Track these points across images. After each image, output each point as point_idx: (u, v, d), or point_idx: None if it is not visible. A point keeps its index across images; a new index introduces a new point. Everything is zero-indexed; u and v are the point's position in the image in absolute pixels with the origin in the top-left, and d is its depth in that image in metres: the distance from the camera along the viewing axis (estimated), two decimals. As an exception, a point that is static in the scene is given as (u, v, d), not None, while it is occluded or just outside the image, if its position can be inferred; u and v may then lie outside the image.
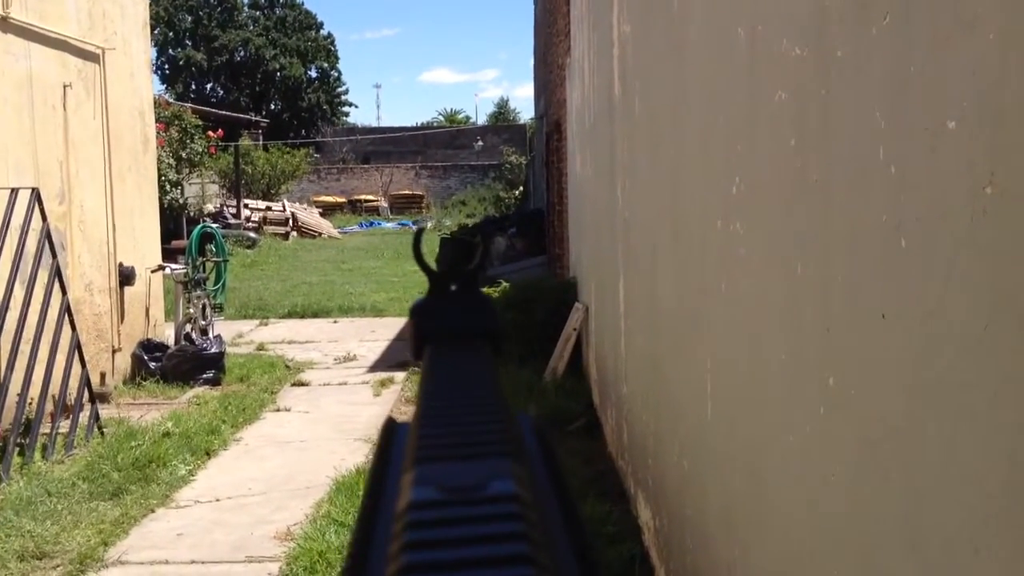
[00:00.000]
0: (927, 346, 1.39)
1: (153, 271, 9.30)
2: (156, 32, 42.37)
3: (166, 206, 15.12)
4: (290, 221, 26.49)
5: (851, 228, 1.70)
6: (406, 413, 7.55)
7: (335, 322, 12.45)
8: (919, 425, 1.43)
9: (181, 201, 18.20)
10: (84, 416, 6.74)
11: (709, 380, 2.96)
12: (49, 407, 6.53)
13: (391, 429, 0.49)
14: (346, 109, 55.00)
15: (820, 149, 1.86)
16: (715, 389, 2.90)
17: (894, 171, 1.50)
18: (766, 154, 2.27)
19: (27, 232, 6.39)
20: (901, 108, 1.48)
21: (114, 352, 8.42)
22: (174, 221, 17.44)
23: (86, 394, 6.81)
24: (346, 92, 54.00)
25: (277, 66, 48.62)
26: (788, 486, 2.14)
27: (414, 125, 51.86)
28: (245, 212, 25.08)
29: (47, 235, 6.62)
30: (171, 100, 21.52)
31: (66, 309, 6.70)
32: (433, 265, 0.62)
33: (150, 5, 9.69)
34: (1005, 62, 1.17)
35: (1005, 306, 1.17)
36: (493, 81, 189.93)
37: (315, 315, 12.88)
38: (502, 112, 63.45)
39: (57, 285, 6.66)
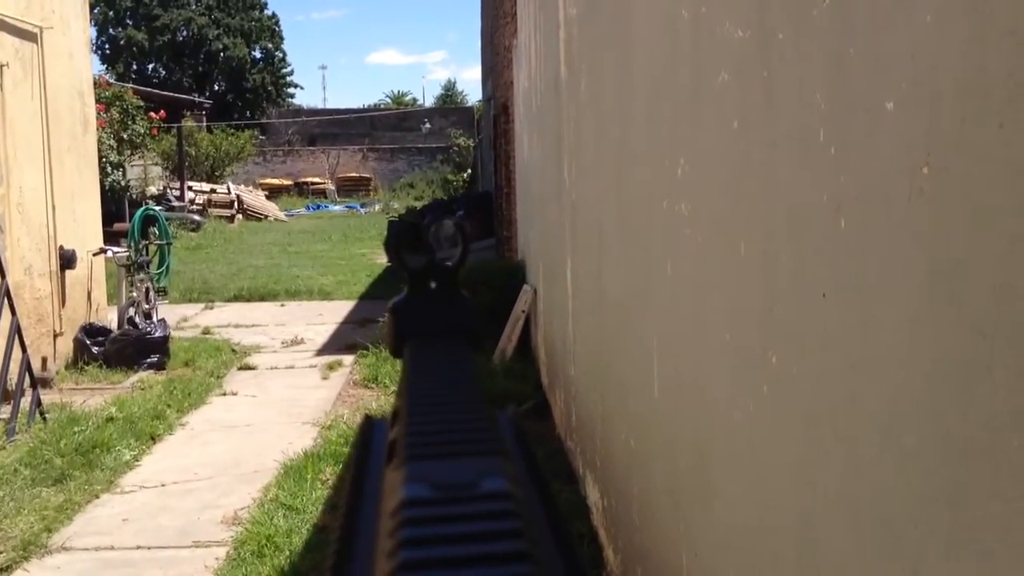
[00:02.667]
0: (866, 325, 1.42)
1: (95, 254, 9.15)
2: (96, 11, 41.54)
3: (107, 188, 14.87)
4: (235, 204, 26.19)
5: (793, 208, 1.72)
6: (355, 396, 7.53)
7: (282, 305, 12.35)
8: (859, 402, 1.45)
9: (123, 183, 17.90)
10: (25, 401, 6.63)
11: (656, 360, 2.99)
12: (-11, 393, 6.41)
13: (369, 427, 0.49)
14: (291, 91, 54.38)
15: (762, 130, 1.88)
16: (661, 369, 2.92)
17: (834, 152, 1.52)
18: (710, 135, 2.29)
19: (-36, 215, 6.26)
20: (841, 89, 1.49)
21: (56, 336, 8.29)
22: (116, 204, 17.16)
23: (27, 379, 6.69)
24: (291, 73, 53.39)
25: (220, 46, 47.93)
26: (732, 463, 2.17)
27: (361, 107, 51.45)
28: (189, 195, 24.74)
29: (-15, 218, 6.49)
30: (112, 80, 21.14)
31: (5, 293, 6.58)
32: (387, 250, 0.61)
33: (89, -17, 9.50)
34: (942, 44, 1.19)
35: (941, 284, 1.20)
36: (441, 63, 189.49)
37: (262, 299, 12.76)
38: (449, 94, 63.22)
39: (-4, 269, 6.53)
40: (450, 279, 0.59)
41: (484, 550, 0.32)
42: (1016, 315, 1.04)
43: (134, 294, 9.05)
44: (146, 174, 23.47)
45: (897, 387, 1.32)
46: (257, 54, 50.80)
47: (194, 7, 48.10)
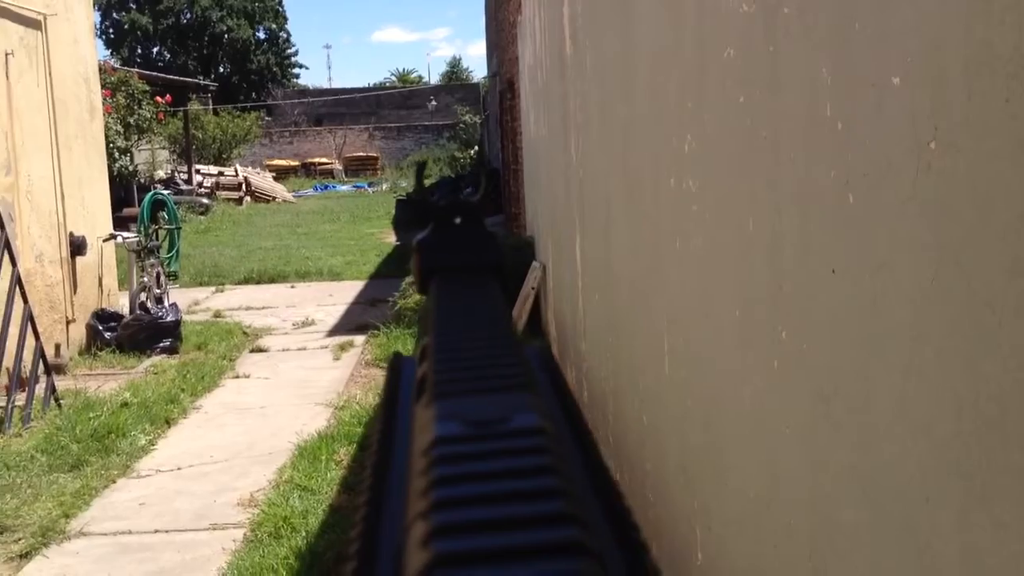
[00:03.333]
0: (876, 300, 1.42)
1: (105, 240, 9.17)
2: (99, -5, 41.43)
3: (115, 174, 14.90)
4: (243, 186, 26.21)
5: (800, 184, 1.72)
6: (367, 376, 7.55)
7: (292, 287, 12.37)
8: (869, 377, 1.46)
9: (131, 168, 17.92)
10: (40, 388, 6.67)
11: (666, 336, 2.99)
12: (3, 380, 6.45)
13: (398, 364, 0.48)
14: (296, 71, 54.30)
15: (768, 106, 1.88)
16: (672, 345, 2.92)
17: (841, 127, 1.51)
18: (716, 111, 2.28)
19: (-27, 204, 6.27)
20: (847, 64, 1.49)
21: (68, 323, 8.32)
22: (124, 189, 17.20)
23: (41, 366, 6.74)
24: (296, 54, 53.32)
25: (224, 28, 47.82)
26: (744, 439, 2.18)
27: (366, 86, 51.34)
28: (197, 178, 24.77)
29: (-6, 207, 6.50)
30: (117, 66, 21.14)
31: (17, 281, 6.61)
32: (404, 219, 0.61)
33: (91, -32, 9.47)
34: (947, 18, 1.18)
35: (950, 259, 1.19)
36: (445, 39, 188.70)
37: (272, 280, 12.79)
38: (455, 71, 63.01)
39: (7, 257, 6.56)
40: (474, 215, 0.58)
41: (517, 487, 0.32)
42: (1025, 290, 1.04)
43: (145, 279, 9.08)
44: (154, 158, 23.47)
45: (907, 361, 1.33)
46: (261, 35, 50.68)
47: (197, -11, 47.96)
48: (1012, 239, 1.06)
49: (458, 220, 0.58)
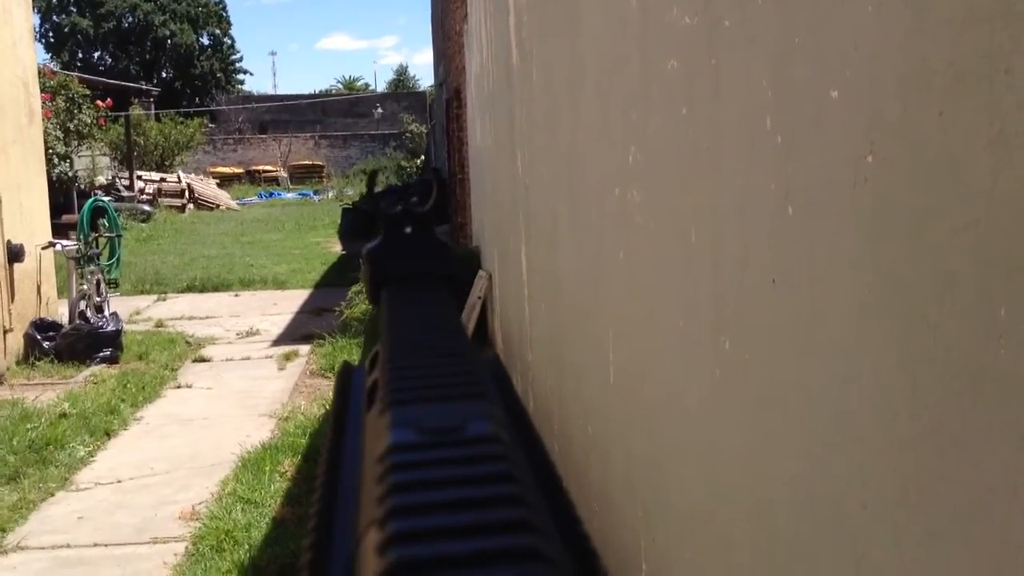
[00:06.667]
0: (814, 311, 1.44)
1: (43, 247, 9.01)
2: (39, -1, 40.73)
3: (55, 180, 14.64)
4: (186, 193, 25.89)
5: (741, 196, 1.74)
6: (312, 386, 7.49)
7: (236, 296, 12.24)
8: (809, 387, 1.47)
9: (71, 174, 17.61)
10: (-25, 400, 6.54)
11: (611, 346, 3.00)
12: (-63, 392, 6.31)
13: (347, 372, 0.48)
14: (241, 77, 53.77)
15: (710, 118, 1.89)
16: (616, 355, 2.94)
17: (780, 140, 1.53)
18: (660, 123, 2.30)
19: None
20: (787, 78, 1.51)
21: (5, 332, 8.16)
22: (64, 195, 16.90)
23: (-24, 377, 6.60)
24: (240, 60, 52.76)
25: (167, 33, 47.25)
26: (687, 449, 2.19)
27: (312, 93, 51.04)
28: (139, 184, 24.43)
29: (-72, 214, 6.36)
30: (56, 69, 20.79)
31: (-48, 290, 6.47)
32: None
33: (31, -28, 9.32)
34: (883, 34, 1.20)
35: (886, 271, 1.21)
36: (392, 48, 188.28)
37: (215, 289, 12.65)
38: (401, 79, 62.91)
39: (-59, 265, 6.42)
40: (424, 224, 0.58)
41: (474, 494, 0.32)
42: (958, 302, 1.06)
43: (85, 287, 8.93)
44: (94, 164, 23.08)
45: (846, 371, 1.34)
46: (205, 40, 50.16)
47: (139, -7, 47.35)
48: (945, 251, 1.08)
49: (408, 229, 0.58)
